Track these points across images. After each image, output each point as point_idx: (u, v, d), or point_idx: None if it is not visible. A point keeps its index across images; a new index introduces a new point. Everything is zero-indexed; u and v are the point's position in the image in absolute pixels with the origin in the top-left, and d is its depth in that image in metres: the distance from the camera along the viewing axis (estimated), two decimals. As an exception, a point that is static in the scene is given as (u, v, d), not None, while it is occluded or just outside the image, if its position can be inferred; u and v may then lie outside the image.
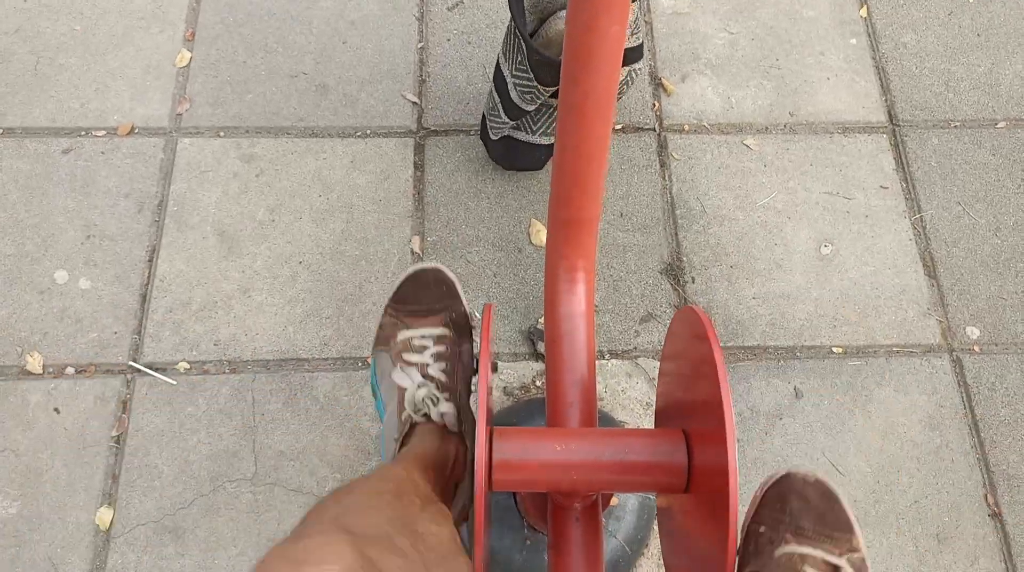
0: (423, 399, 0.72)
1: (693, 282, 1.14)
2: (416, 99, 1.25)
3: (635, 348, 1.09)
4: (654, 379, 1.06)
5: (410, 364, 0.75)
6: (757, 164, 1.23)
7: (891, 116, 1.27)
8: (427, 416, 0.72)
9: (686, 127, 1.25)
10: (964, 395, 1.08)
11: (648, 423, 1.05)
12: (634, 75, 0.96)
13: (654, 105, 1.27)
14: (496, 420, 0.99)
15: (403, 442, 0.73)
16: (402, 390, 0.73)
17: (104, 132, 1.21)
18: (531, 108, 0.96)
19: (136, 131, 1.21)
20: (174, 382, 1.04)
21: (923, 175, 1.22)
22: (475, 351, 0.79)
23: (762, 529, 0.60)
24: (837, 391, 1.07)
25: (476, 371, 0.78)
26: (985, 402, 1.07)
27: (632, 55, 0.91)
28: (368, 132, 1.23)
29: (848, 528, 0.59)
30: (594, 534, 0.74)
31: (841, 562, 0.57)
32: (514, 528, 0.91)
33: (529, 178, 1.19)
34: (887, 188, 1.21)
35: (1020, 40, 1.33)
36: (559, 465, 0.64)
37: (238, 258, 1.12)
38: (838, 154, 1.24)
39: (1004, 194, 1.21)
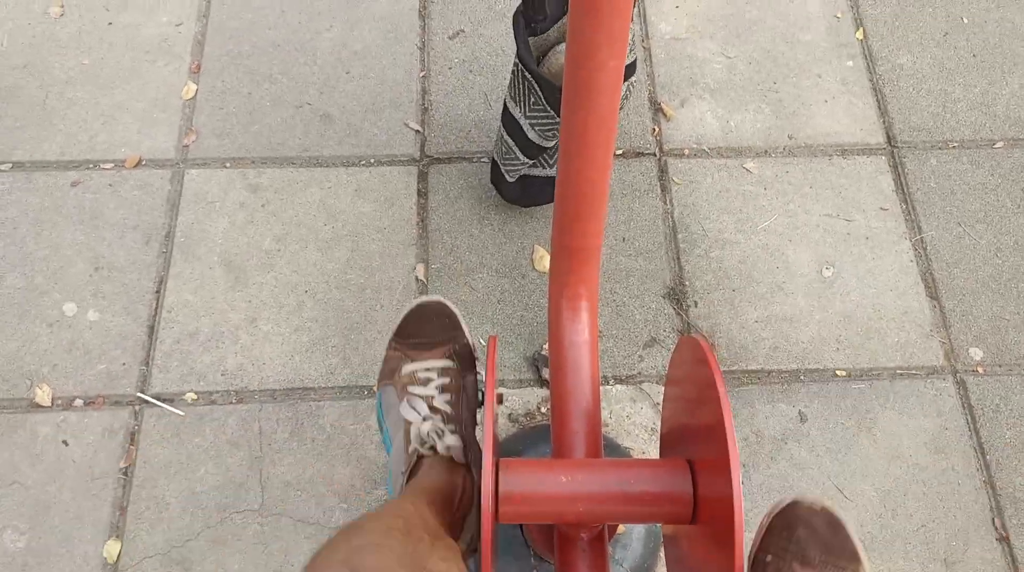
0: (429, 432, 0.72)
1: (696, 306, 1.14)
2: (419, 127, 1.27)
3: (639, 373, 1.10)
4: (658, 404, 1.07)
5: (416, 397, 0.75)
6: (757, 187, 1.24)
7: (889, 137, 1.28)
8: (433, 449, 0.73)
9: (686, 151, 1.26)
10: (969, 417, 1.08)
11: (653, 448, 1.05)
12: (631, 88, 0.97)
13: (654, 130, 1.28)
14: (501, 447, 0.99)
15: (410, 475, 0.73)
16: (408, 424, 0.74)
17: (112, 164, 1.22)
18: (551, 144, 0.97)
19: (143, 163, 1.23)
20: (182, 413, 1.05)
21: (922, 196, 1.23)
22: (480, 383, 0.80)
23: (768, 558, 0.60)
24: (842, 414, 1.07)
25: (481, 403, 0.78)
26: (990, 424, 1.07)
27: (627, 70, 0.93)
28: (372, 161, 1.24)
29: (855, 557, 0.60)
30: (601, 564, 0.74)
31: None
32: (520, 557, 0.91)
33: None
34: (887, 209, 1.22)
35: (1015, 61, 1.35)
36: (565, 497, 0.64)
37: (245, 288, 1.14)
38: (837, 176, 1.25)
39: (1004, 214, 1.22)
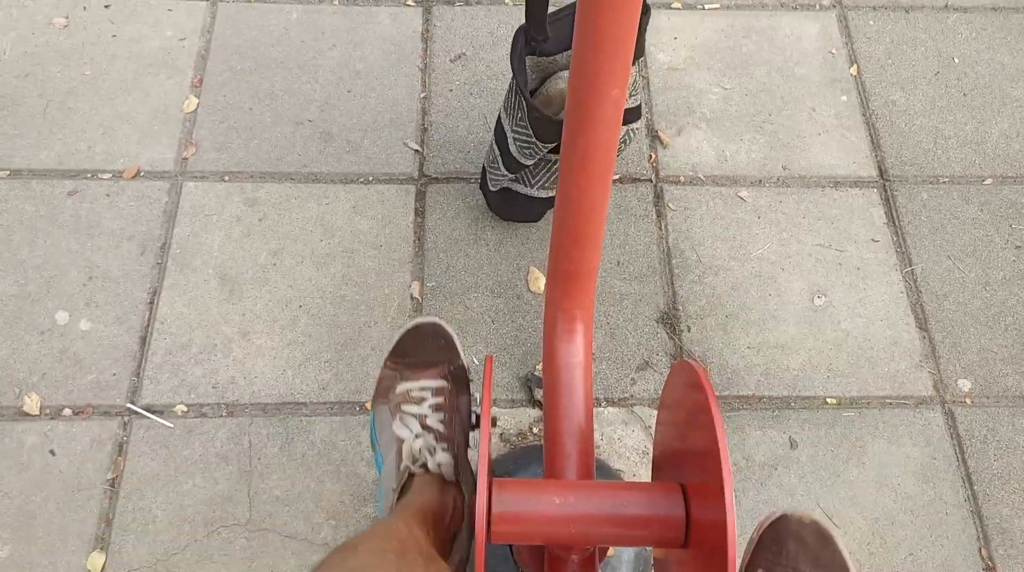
0: (420, 449, 0.73)
1: (689, 331, 1.15)
2: (418, 147, 1.28)
3: (631, 396, 1.10)
4: (650, 427, 1.07)
5: (409, 415, 0.75)
6: (751, 216, 1.25)
7: (881, 171, 1.31)
8: (425, 466, 0.73)
9: (681, 178, 1.28)
10: (957, 447, 1.09)
11: (643, 470, 1.05)
12: (632, 134, 0.99)
13: (651, 157, 1.30)
14: (494, 466, 0.99)
15: (401, 492, 0.73)
16: (400, 441, 0.74)
17: (110, 175, 1.22)
18: (530, 163, 0.99)
19: (141, 174, 1.23)
20: (171, 425, 1.04)
21: (913, 229, 1.25)
22: (473, 404, 0.80)
23: None
24: (831, 442, 1.08)
25: (474, 425, 0.78)
26: (978, 455, 1.08)
27: (631, 115, 0.94)
28: (370, 179, 1.25)
29: (844, 569, 0.61)
30: (591, 586, 0.74)
31: None
32: (510, 578, 0.91)
33: (528, 226, 1.22)
34: (878, 241, 1.24)
35: (1004, 100, 1.38)
36: (558, 518, 0.64)
37: (239, 301, 1.14)
38: (830, 207, 1.27)
39: (992, 249, 1.24)
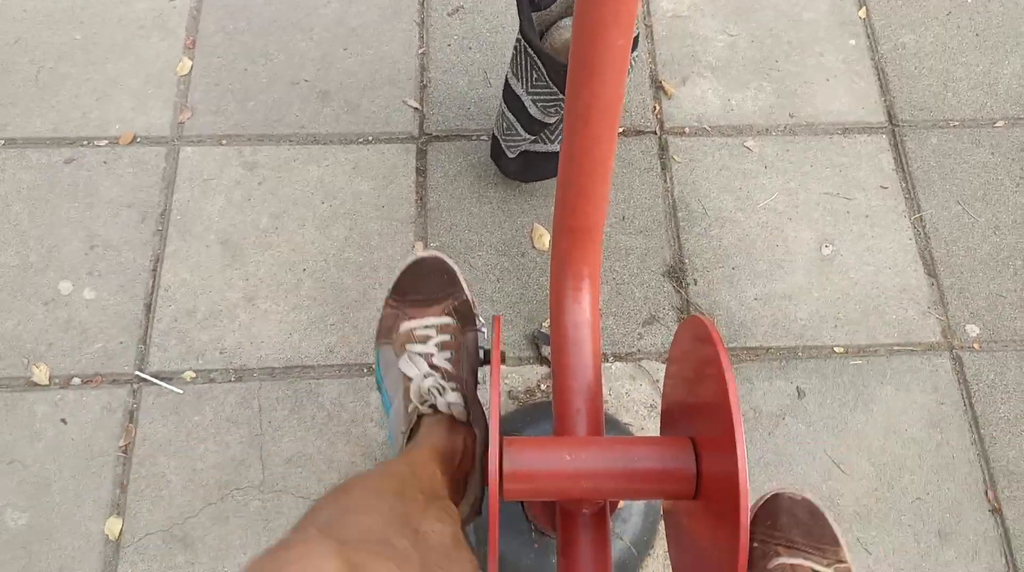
0: (429, 389, 0.70)
1: (695, 284, 1.14)
2: (417, 105, 1.26)
3: (638, 350, 1.10)
4: (657, 381, 1.07)
5: (415, 354, 0.73)
6: (757, 166, 1.23)
7: (890, 116, 1.28)
8: (434, 407, 0.71)
9: (687, 130, 1.26)
10: (964, 392, 1.09)
11: (651, 424, 1.05)
12: (632, 63, 0.96)
13: (655, 108, 1.27)
14: (502, 424, 0.99)
15: (410, 434, 0.72)
16: (408, 380, 0.72)
17: (106, 142, 1.21)
18: (553, 120, 0.96)
19: (138, 140, 1.21)
20: (180, 391, 1.05)
21: (922, 175, 1.23)
22: (480, 340, 0.78)
23: (755, 544, 0.64)
24: (839, 390, 1.08)
25: (482, 361, 0.77)
26: (985, 399, 1.08)
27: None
28: (370, 138, 1.23)
29: (835, 541, 0.64)
30: (602, 538, 0.74)
31: None
32: (522, 532, 0.92)
33: (531, 183, 1.20)
34: (887, 188, 1.22)
35: (1018, 39, 1.34)
36: (570, 475, 0.64)
37: (242, 266, 1.13)
38: (838, 155, 1.24)
39: (1003, 193, 1.22)
